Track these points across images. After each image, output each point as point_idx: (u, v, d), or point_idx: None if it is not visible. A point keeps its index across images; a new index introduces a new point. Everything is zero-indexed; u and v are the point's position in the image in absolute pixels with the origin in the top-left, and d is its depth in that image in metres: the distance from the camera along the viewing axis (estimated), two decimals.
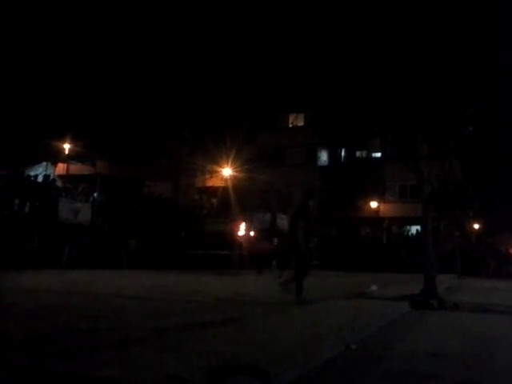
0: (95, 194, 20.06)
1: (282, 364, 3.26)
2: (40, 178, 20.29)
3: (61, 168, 24.50)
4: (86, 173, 23.72)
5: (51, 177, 21.47)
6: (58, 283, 9.88)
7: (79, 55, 25.44)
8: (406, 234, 31.71)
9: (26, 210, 16.84)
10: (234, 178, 27.40)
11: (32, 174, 20.44)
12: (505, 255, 28.92)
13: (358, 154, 36.17)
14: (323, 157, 36.56)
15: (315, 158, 36.03)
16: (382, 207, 32.85)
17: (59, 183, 21.09)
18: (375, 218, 32.28)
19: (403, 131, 9.27)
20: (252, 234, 21.76)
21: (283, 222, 26.20)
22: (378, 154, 34.36)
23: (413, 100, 8.81)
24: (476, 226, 31.84)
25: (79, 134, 23.00)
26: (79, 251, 16.85)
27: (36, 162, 22.49)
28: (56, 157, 23.21)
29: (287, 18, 29.01)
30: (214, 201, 27.65)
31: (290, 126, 37.08)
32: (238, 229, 21.44)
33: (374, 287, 9.36)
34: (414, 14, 9.29)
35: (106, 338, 3.92)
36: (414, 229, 30.39)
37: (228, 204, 24.34)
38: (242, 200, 24.36)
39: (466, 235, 28.75)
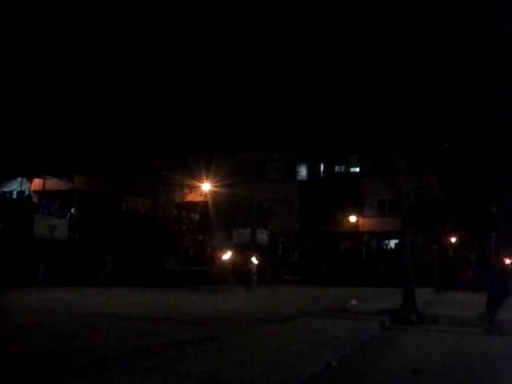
0: (72, 210, 19.73)
1: (264, 383, 3.20)
2: (15, 194, 19.90)
3: (36, 183, 24.07)
4: (63, 188, 23.33)
5: (26, 192, 21.07)
6: (33, 301, 9.62)
7: (57, 69, 25.18)
8: (384, 248, 31.98)
9: (0, 226, 16.46)
10: (213, 192, 27.31)
11: (6, 190, 20.04)
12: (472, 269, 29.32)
13: (336, 168, 36.54)
14: (302, 172, 36.81)
15: (294, 172, 36.27)
16: (360, 221, 33.15)
17: (35, 199, 20.69)
18: (354, 232, 32.53)
19: (381, 147, 9.39)
20: (232, 249, 21.65)
21: (263, 236, 26.19)
22: (357, 169, 34.77)
23: (391, 117, 8.95)
24: (453, 240, 32.27)
25: (56, 148, 22.67)
26: (55, 268, 16.50)
27: (10, 177, 22.05)
28: (32, 172, 22.80)
29: (263, 34, 29.31)
30: (194, 216, 27.48)
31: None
32: (217, 244, 21.31)
33: (354, 302, 9.36)
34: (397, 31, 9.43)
35: (82, 359, 3.80)
36: (393, 243, 30.69)
37: (207, 219, 24.21)
38: (221, 215, 24.27)
39: (443, 249, 29.11)
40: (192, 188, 30.31)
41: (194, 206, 27.41)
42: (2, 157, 19.61)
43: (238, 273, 18.90)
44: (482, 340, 5.82)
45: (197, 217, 26.86)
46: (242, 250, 21.97)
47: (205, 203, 26.05)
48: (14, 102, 22.77)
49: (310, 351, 4.20)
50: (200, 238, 23.50)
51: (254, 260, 18.72)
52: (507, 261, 31.32)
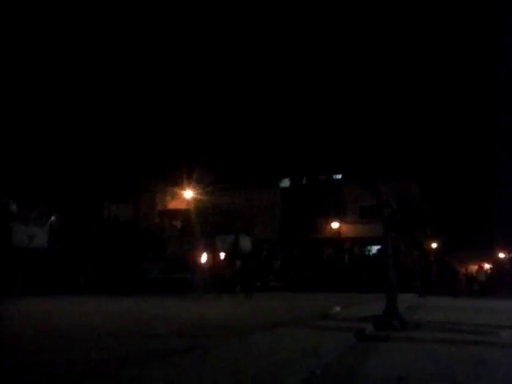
0: (52, 217, 19.46)
1: None
2: None
3: None
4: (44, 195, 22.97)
5: (3, 200, 20.67)
6: (10, 312, 9.43)
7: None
8: (367, 254, 32.21)
9: None
10: (195, 200, 27.22)
11: None
12: (453, 273, 29.86)
13: (319, 176, 36.75)
14: (285, 179, 36.94)
15: (277, 180, 36.36)
16: (343, 228, 33.35)
17: (13, 207, 20.32)
18: (337, 238, 32.71)
19: (362, 158, 9.52)
20: (214, 256, 21.57)
21: (246, 243, 26.15)
22: (339, 176, 35.04)
23: (373, 133, 9.06)
24: (434, 245, 32.69)
25: (36, 151, 22.36)
26: (34, 277, 16.22)
27: None
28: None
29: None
30: (176, 223, 27.33)
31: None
32: (200, 252, 21.20)
33: (337, 309, 9.39)
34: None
35: (63, 372, 3.73)
36: (375, 248, 30.92)
37: (190, 227, 24.10)
38: (204, 222, 24.19)
39: (424, 254, 29.47)
40: (174, 195, 30.21)
41: (176, 213, 27.33)
42: None
43: (221, 280, 18.82)
44: (463, 344, 5.88)
45: (179, 224, 26.74)
46: (225, 257, 21.90)
47: (187, 210, 25.97)
48: None
49: (294, 359, 4.18)
50: (182, 245, 23.37)
51: (237, 266, 18.70)
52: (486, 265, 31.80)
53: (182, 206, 28.19)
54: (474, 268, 33.18)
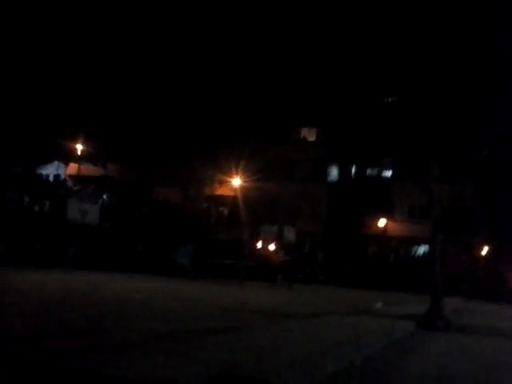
0: (104, 196, 20.15)
1: (283, 376, 3.19)
2: (51, 177, 20.43)
3: (72, 168, 24.66)
4: (97, 174, 23.86)
5: (62, 177, 21.61)
6: (62, 282, 9.88)
7: (95, 59, 25.52)
8: (413, 254, 31.40)
9: (36, 208, 16.96)
10: (243, 188, 27.38)
11: (44, 172, 20.59)
12: (502, 279, 28.63)
13: (368, 171, 36.01)
14: (333, 173, 36.41)
15: (325, 173, 35.87)
16: (390, 226, 32.58)
17: (69, 183, 21.21)
18: (382, 236, 32.02)
19: (416, 152, 9.20)
20: (259, 245, 21.66)
21: (290, 234, 26.09)
22: (389, 173, 34.21)
23: (428, 123, 8.73)
24: (484, 251, 31.44)
25: (92, 134, 23.14)
26: (85, 252, 16.86)
27: (48, 161, 22.64)
28: (68, 157, 23.35)
29: (298, 30, 28.76)
30: (223, 210, 27.63)
31: (302, 139, 36.93)
32: (245, 239, 21.34)
33: (379, 304, 9.26)
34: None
35: (106, 338, 3.89)
36: (422, 249, 30.08)
37: (236, 214, 24.29)
38: (250, 210, 24.31)
39: (473, 259, 28.43)
40: (222, 182, 30.50)
41: (223, 199, 27.58)
42: (41, 140, 20.15)
43: (265, 268, 18.90)
44: (509, 349, 5.66)
45: (226, 211, 27.02)
46: (269, 247, 21.93)
47: (234, 198, 26.17)
48: (52, 89, 23.17)
49: (333, 349, 4.16)
50: (228, 231, 23.63)
51: (280, 256, 18.71)
52: None
53: (230, 193, 28.45)
54: None
